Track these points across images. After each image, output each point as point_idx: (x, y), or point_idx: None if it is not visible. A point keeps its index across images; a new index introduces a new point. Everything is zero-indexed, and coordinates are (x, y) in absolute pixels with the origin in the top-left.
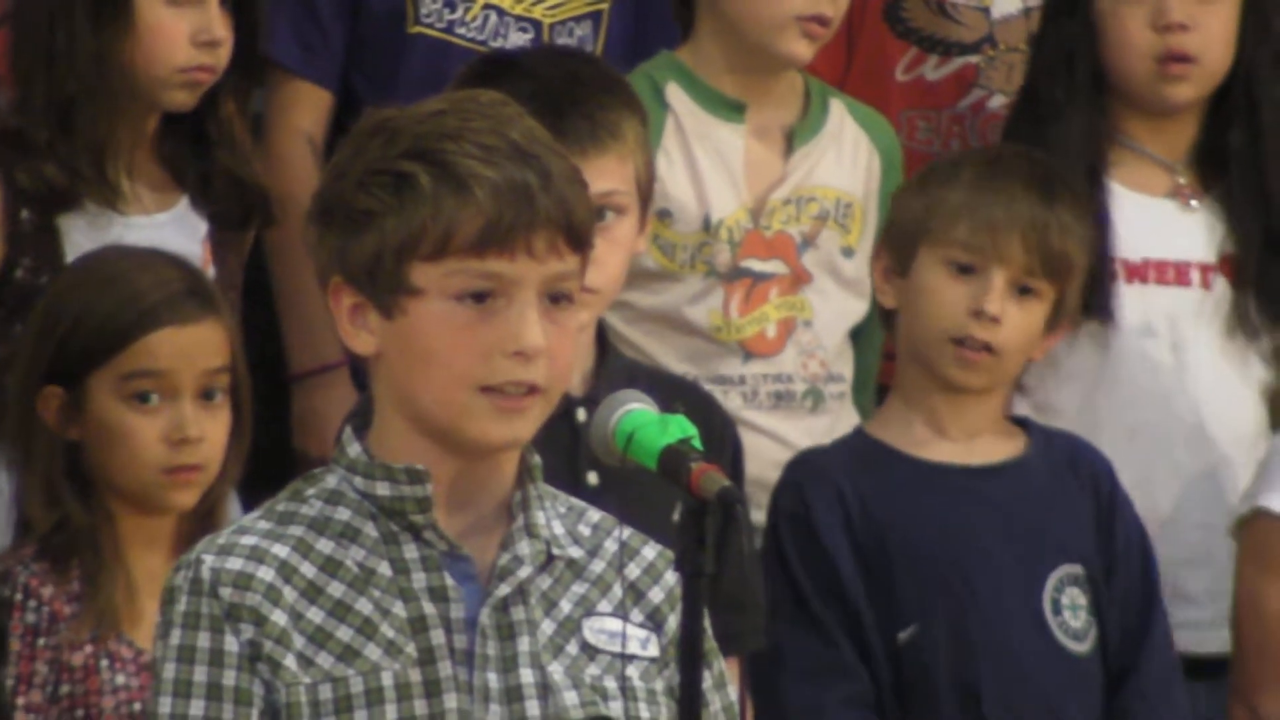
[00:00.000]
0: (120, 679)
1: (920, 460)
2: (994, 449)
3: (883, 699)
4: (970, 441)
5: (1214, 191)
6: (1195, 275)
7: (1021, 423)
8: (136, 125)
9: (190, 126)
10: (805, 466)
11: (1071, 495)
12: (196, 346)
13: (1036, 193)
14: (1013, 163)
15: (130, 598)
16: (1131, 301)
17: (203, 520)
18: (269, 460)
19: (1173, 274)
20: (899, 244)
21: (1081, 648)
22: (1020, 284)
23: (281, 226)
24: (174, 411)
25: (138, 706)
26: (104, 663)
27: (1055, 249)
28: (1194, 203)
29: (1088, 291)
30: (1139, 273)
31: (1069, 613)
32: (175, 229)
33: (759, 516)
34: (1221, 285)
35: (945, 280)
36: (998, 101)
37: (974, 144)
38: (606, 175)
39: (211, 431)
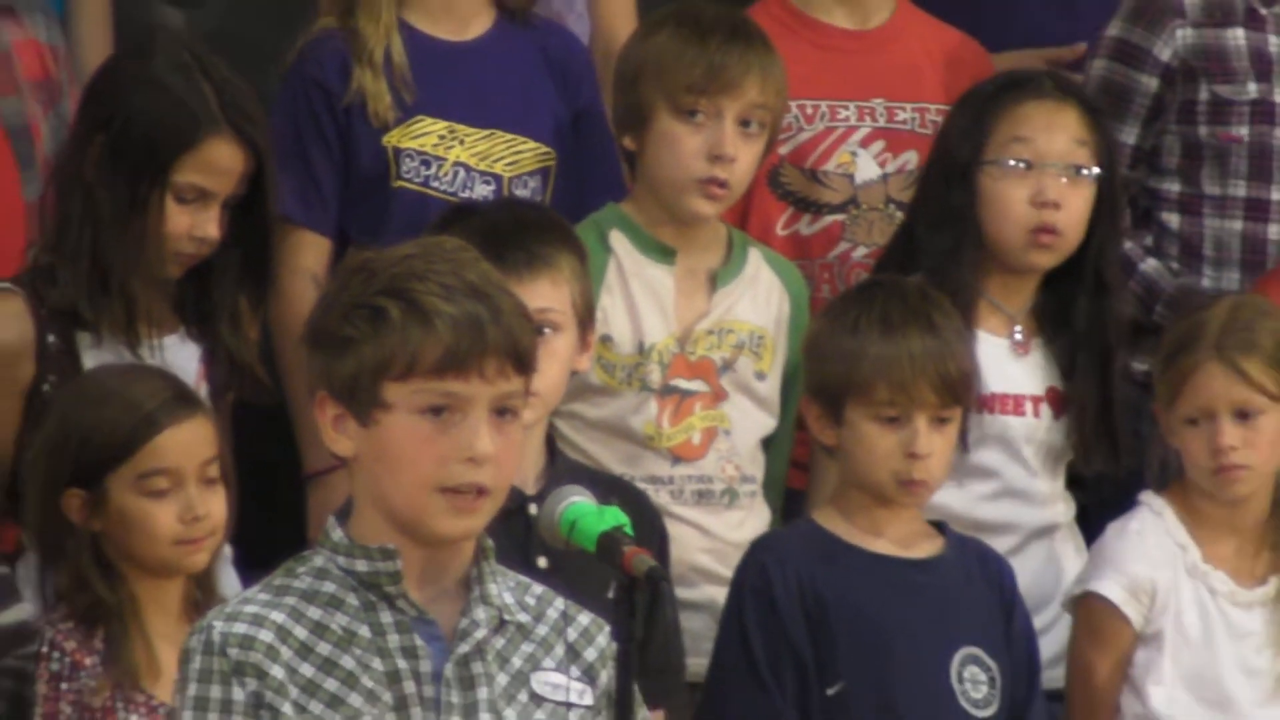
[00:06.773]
0: (134, 719)
1: (863, 549)
2: (920, 547)
3: None
4: (902, 540)
5: (1043, 340)
6: (1028, 406)
7: (939, 526)
8: (154, 286)
9: (197, 269)
10: (767, 549)
11: (979, 590)
12: (193, 441)
13: (926, 330)
14: (896, 306)
15: (149, 657)
16: (983, 426)
17: (201, 584)
18: (288, 547)
19: (1011, 405)
20: (827, 399)
21: (984, 713)
22: (937, 417)
23: (293, 351)
24: (184, 497)
25: None
26: (119, 704)
27: (955, 378)
28: (1026, 348)
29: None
30: (987, 404)
31: (970, 685)
32: (177, 351)
33: (684, 593)
34: (1047, 412)
35: (877, 432)
36: (860, 252)
37: (841, 288)
38: (539, 296)
39: (214, 507)
